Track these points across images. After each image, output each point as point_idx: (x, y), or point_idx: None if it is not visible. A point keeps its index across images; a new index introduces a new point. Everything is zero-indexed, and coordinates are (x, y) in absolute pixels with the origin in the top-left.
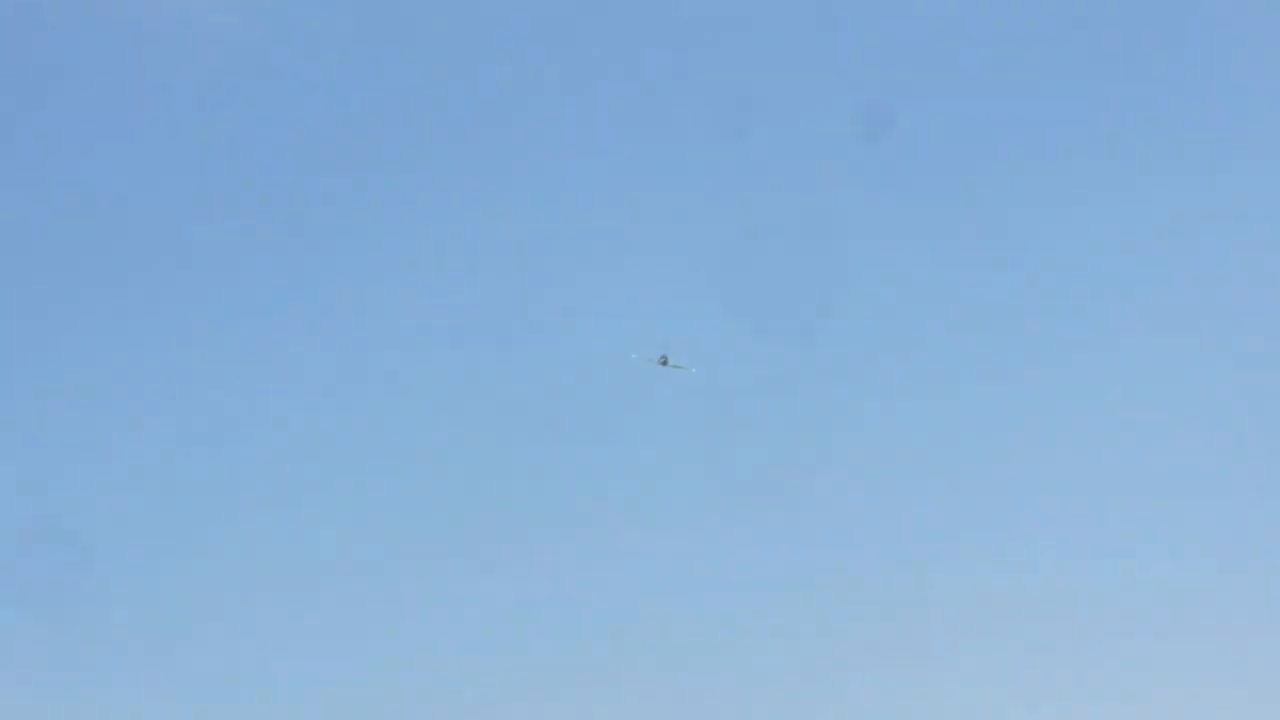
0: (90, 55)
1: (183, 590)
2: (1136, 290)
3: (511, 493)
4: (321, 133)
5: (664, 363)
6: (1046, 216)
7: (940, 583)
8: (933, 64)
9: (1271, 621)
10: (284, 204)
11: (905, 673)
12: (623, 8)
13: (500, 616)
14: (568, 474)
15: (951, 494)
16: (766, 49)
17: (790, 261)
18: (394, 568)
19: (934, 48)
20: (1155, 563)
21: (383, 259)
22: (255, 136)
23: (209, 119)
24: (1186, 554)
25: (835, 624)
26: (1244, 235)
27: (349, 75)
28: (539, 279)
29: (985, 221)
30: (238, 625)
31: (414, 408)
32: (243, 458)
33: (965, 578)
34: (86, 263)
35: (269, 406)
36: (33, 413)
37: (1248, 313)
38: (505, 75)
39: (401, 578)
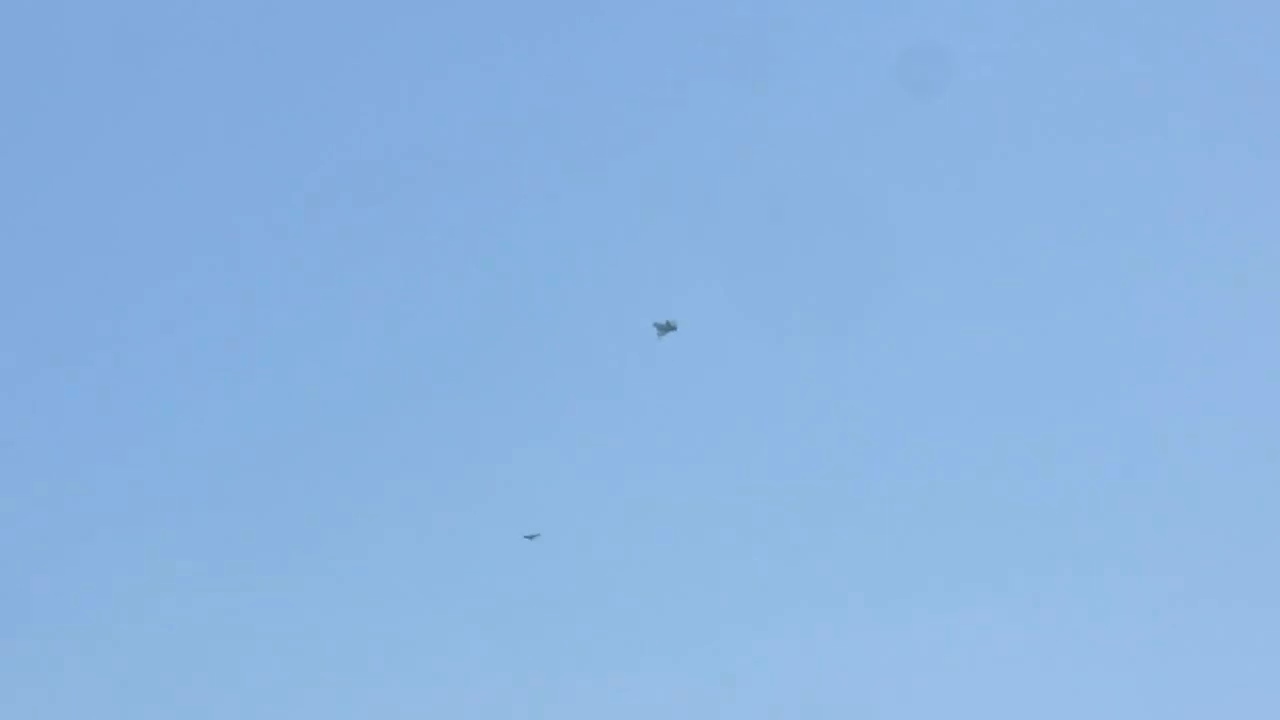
0: None
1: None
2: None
3: (519, 498)
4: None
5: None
6: (1132, 180)
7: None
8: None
9: None
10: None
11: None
12: None
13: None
14: (574, 481)
15: (1002, 522)
16: None
17: (819, 246)
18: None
19: None
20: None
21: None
22: None
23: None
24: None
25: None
26: None
27: None
28: (530, 271)
29: (1057, 194)
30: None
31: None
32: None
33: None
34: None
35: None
36: None
37: None
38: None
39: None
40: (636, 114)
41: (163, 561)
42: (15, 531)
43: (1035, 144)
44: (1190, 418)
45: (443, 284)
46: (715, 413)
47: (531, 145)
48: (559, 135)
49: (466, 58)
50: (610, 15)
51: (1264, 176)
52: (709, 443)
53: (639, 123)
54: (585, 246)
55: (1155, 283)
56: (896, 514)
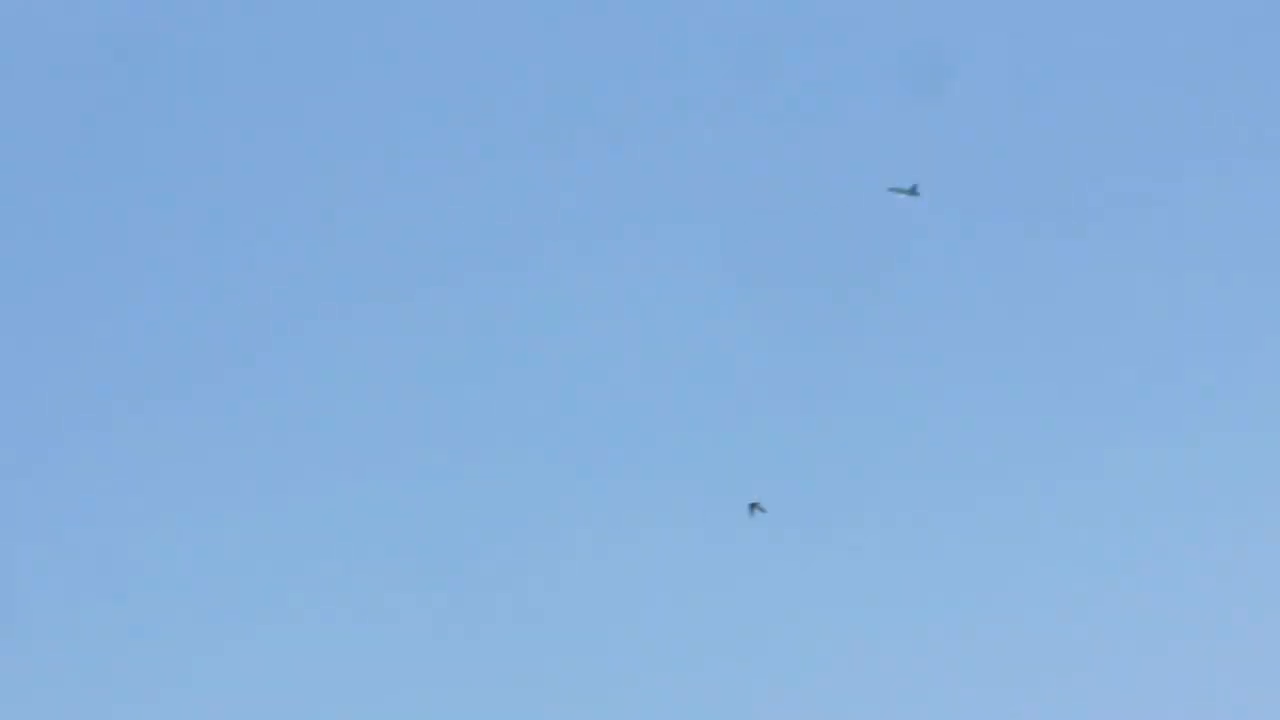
0: None
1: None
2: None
3: (513, 502)
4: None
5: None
6: (1132, 181)
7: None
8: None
9: None
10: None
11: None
12: None
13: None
14: (571, 480)
15: (1009, 520)
16: None
17: (818, 246)
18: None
19: None
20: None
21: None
22: None
23: None
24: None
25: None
26: None
27: None
28: (523, 265)
29: (1059, 189)
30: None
31: (407, 408)
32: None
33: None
34: None
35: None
36: None
37: None
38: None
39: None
40: (635, 113)
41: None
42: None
43: (1035, 144)
44: (1193, 422)
45: (444, 292)
46: (717, 415)
47: (529, 144)
48: (557, 133)
49: (467, 54)
50: (609, 14)
51: (1266, 176)
52: (708, 439)
53: (638, 121)
54: (583, 245)
55: (1156, 280)
56: (896, 515)
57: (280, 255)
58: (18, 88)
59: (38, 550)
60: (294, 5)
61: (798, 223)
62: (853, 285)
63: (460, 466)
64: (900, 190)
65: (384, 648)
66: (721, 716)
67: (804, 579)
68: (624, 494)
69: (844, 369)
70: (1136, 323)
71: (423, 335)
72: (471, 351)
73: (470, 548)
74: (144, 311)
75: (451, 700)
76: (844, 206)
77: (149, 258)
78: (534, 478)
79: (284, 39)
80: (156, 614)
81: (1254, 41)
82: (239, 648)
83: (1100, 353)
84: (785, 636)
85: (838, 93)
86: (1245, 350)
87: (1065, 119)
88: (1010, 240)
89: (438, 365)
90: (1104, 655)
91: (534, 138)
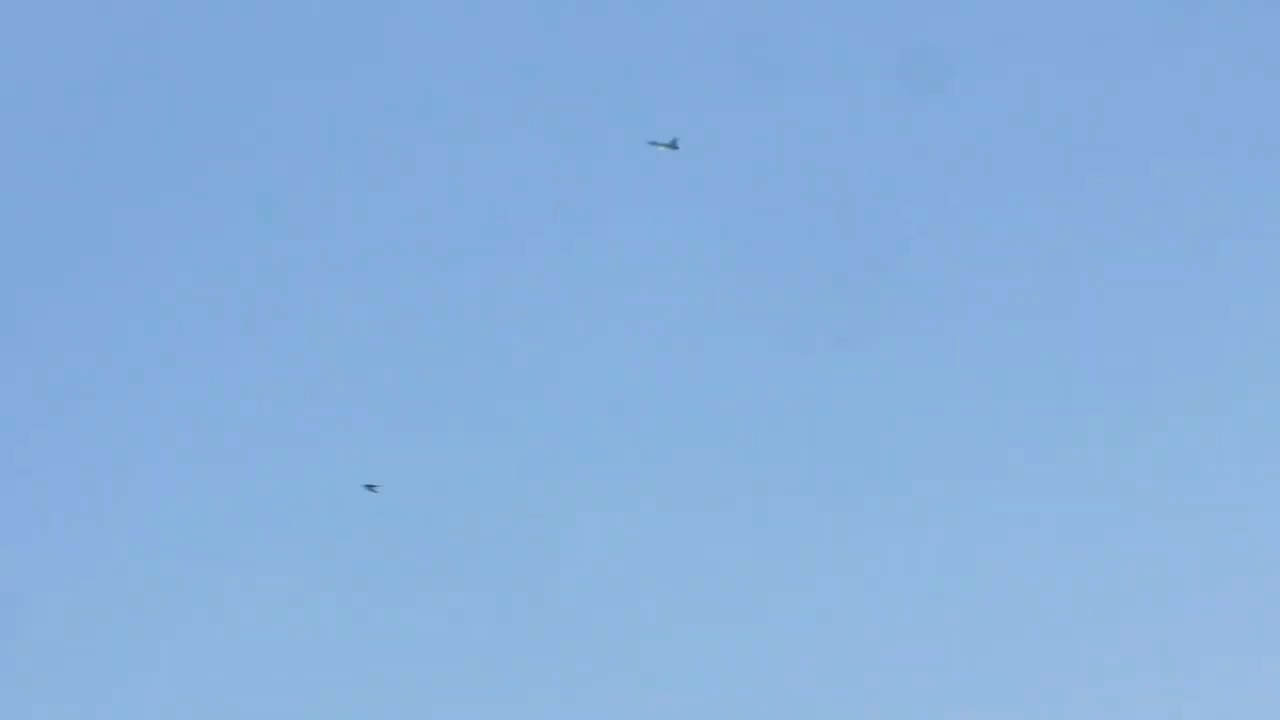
0: None
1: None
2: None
3: (514, 503)
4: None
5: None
6: (1132, 178)
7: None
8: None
9: None
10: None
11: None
12: None
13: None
14: (573, 486)
15: (1016, 539)
16: None
17: (819, 246)
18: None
19: None
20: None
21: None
22: None
23: None
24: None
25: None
26: None
27: None
28: (532, 273)
29: (1059, 187)
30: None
31: (396, 410)
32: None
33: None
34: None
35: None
36: None
37: None
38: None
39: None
40: (636, 114)
41: None
42: None
43: (1036, 143)
44: (1192, 425)
45: (442, 282)
46: (719, 414)
47: (530, 146)
48: (558, 136)
49: (465, 55)
50: (610, 16)
51: (1266, 175)
52: (710, 443)
53: (638, 123)
54: (584, 248)
55: (1159, 281)
56: (897, 516)
57: (277, 249)
58: (17, 87)
59: (38, 550)
60: (295, 5)
61: (798, 220)
62: (853, 282)
63: (461, 457)
64: (660, 144)
65: (389, 643)
66: (723, 708)
67: (807, 570)
68: (626, 483)
69: (843, 363)
70: (1138, 318)
71: (424, 326)
72: (472, 341)
73: (470, 540)
74: (141, 307)
75: (455, 698)
76: (844, 204)
77: (140, 253)
78: (535, 467)
79: (283, 38)
80: (160, 612)
81: (1255, 42)
82: (240, 643)
83: (1101, 348)
84: (784, 628)
85: (838, 92)
86: (1246, 349)
87: (1065, 118)
88: (1010, 237)
89: (435, 356)
90: (1104, 653)
91: (535, 128)
